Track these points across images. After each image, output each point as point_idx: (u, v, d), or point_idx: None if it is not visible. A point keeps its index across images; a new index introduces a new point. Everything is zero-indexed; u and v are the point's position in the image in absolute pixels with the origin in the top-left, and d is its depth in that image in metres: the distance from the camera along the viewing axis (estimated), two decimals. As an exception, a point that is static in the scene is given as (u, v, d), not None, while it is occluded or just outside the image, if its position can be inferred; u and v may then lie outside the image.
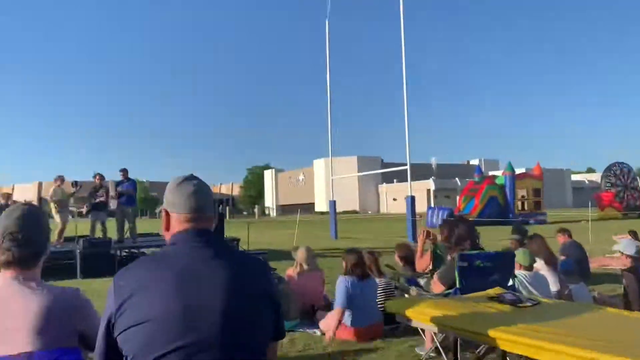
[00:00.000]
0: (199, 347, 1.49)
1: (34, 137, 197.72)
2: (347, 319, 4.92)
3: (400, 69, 18.64)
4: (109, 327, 1.58)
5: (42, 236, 1.92)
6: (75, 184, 12.98)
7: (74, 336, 1.85)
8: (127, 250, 12.57)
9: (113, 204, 12.92)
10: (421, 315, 3.31)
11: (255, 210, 78.76)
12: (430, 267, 5.64)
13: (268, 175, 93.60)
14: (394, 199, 71.69)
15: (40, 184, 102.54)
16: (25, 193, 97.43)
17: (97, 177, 12.64)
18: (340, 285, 4.98)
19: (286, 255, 12.90)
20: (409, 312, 3.41)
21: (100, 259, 10.06)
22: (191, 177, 1.82)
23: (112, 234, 12.64)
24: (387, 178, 70.62)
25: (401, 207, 67.67)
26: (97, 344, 1.65)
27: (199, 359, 1.49)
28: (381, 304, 5.30)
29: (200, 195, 1.77)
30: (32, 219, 1.91)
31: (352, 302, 4.89)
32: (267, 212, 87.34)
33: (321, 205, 72.72)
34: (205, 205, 1.79)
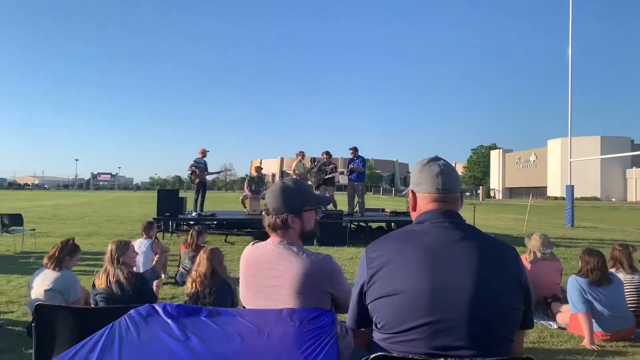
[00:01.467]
0: (446, 325, 1.49)
1: (274, 115, 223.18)
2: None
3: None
4: (361, 295, 1.68)
5: (287, 209, 2.11)
6: (313, 160, 14.16)
7: (327, 298, 2.01)
8: (356, 223, 13.33)
9: (343, 180, 13.75)
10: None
11: (480, 191, 75.92)
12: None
13: (495, 155, 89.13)
14: (646, 186, 62.01)
15: (282, 159, 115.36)
16: (270, 166, 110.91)
17: (325, 154, 13.56)
18: (573, 287, 4.45)
19: (515, 241, 12.17)
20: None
21: (333, 230, 10.84)
22: (436, 158, 1.83)
23: (341, 206, 13.50)
24: (639, 162, 61.30)
25: (656, 196, 58.67)
26: (350, 309, 1.77)
27: (446, 336, 1.49)
28: (633, 304, 4.65)
29: (446, 176, 1.78)
30: (276, 193, 2.14)
31: (593, 306, 4.34)
32: (492, 194, 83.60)
33: (555, 190, 66.85)
34: (452, 185, 1.78)
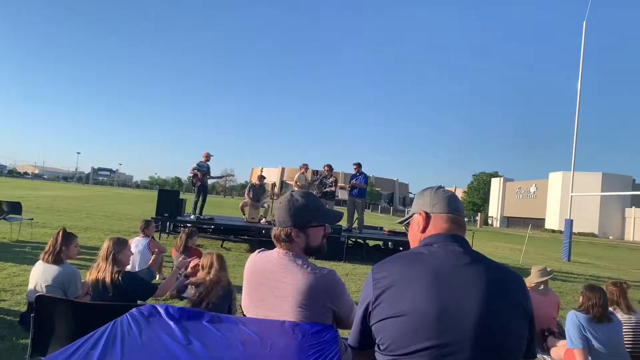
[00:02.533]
0: (451, 349, 1.47)
1: (278, 124, 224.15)
2: (586, 361, 4.35)
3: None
4: (366, 315, 1.65)
5: (292, 223, 2.10)
6: (315, 172, 14.14)
7: (329, 313, 1.99)
8: (353, 239, 13.28)
9: (343, 194, 13.71)
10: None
11: (478, 218, 75.84)
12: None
13: (495, 183, 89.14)
14: (645, 226, 61.97)
15: (283, 169, 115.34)
16: (271, 175, 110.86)
17: (326, 167, 13.49)
18: (572, 322, 4.40)
19: (512, 271, 12.11)
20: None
21: (330, 244, 10.78)
22: (442, 187, 1.91)
23: (340, 222, 13.42)
24: (638, 201, 61.33)
25: (654, 236, 58.55)
26: (353, 328, 1.75)
27: None
28: (629, 345, 4.60)
29: (457, 200, 1.87)
30: (283, 206, 2.14)
31: (590, 343, 4.30)
32: (490, 221, 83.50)
33: (553, 222, 66.75)
34: (462, 210, 1.85)
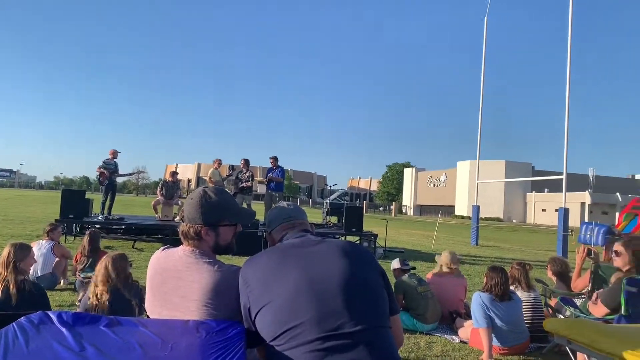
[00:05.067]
0: (329, 309, 1.63)
1: (196, 122, 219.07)
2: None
3: (560, 67, 16.94)
4: (247, 315, 1.77)
5: (202, 220, 2.02)
6: (231, 167, 13.92)
7: (237, 311, 1.94)
8: (271, 233, 13.22)
9: (261, 189, 13.59)
10: (585, 339, 2.96)
11: (392, 207, 78.40)
12: (589, 287, 5.11)
13: (408, 173, 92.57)
14: (543, 210, 66.98)
15: (199, 165, 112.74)
16: (186, 172, 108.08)
17: (243, 162, 13.37)
18: (477, 303, 4.67)
19: (424, 257, 12.66)
20: (572, 334, 3.08)
21: (249, 239, 10.68)
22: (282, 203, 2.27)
23: (258, 216, 13.35)
24: (537, 186, 66.30)
25: (550, 219, 63.48)
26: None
27: (332, 319, 1.61)
28: (528, 320, 4.94)
29: (291, 207, 2.18)
30: (194, 202, 2.06)
31: (494, 321, 4.59)
32: (404, 210, 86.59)
33: (462, 209, 70.37)
34: (296, 214, 2.16)
